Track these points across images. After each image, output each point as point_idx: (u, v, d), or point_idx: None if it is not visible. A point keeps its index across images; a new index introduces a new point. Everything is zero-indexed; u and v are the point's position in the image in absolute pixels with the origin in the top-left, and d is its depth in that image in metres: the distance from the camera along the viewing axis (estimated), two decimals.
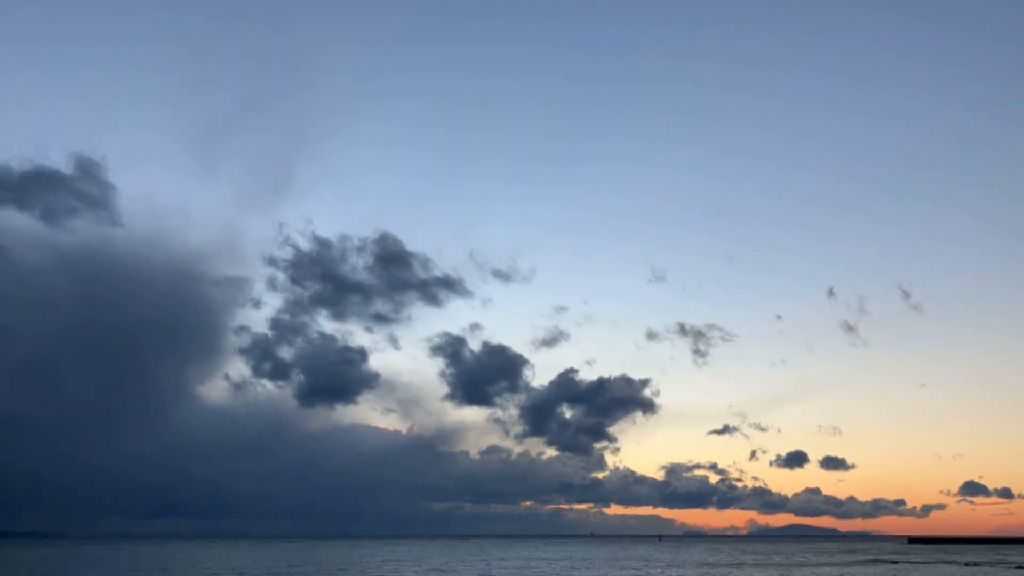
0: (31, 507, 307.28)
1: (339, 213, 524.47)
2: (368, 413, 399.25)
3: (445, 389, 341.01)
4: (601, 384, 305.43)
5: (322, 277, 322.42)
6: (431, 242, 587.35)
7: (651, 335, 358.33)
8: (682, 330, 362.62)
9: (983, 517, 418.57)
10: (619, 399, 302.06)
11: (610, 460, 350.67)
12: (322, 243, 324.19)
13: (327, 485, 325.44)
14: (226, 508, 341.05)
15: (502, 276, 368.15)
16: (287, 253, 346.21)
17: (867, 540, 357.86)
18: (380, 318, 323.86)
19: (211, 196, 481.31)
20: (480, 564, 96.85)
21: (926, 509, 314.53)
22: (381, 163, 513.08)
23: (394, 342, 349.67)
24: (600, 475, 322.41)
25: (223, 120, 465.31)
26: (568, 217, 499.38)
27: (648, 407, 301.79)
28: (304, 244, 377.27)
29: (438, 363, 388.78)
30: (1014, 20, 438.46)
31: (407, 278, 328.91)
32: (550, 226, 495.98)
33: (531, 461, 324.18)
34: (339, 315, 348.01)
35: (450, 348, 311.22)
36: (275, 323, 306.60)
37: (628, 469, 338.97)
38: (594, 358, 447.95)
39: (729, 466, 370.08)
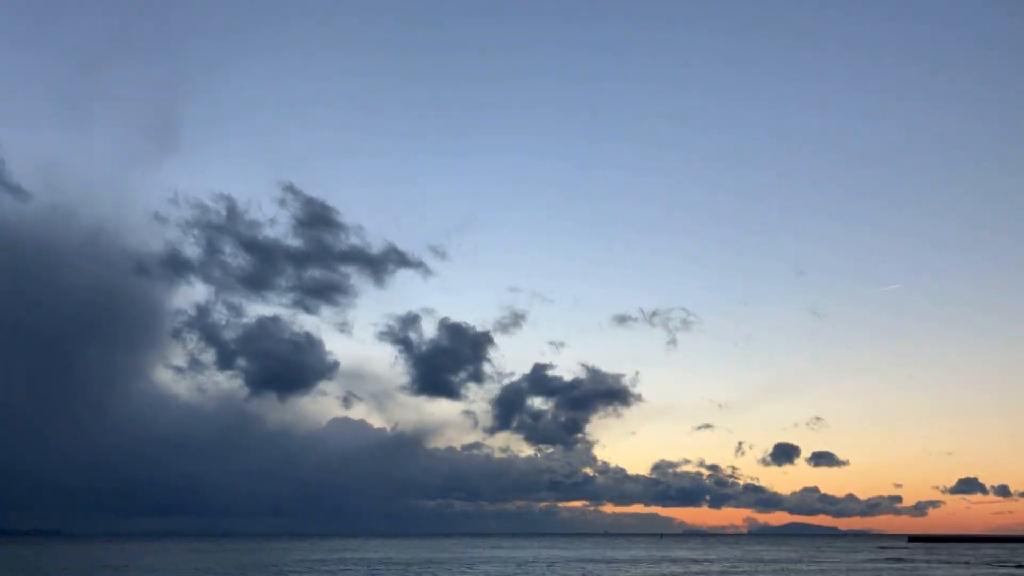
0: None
1: (244, 172, 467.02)
2: (332, 404, 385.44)
3: (406, 379, 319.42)
4: (578, 377, 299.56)
5: (246, 246, 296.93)
6: (357, 211, 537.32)
7: (618, 319, 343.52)
8: (648, 314, 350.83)
9: (984, 515, 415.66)
10: (597, 392, 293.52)
11: (597, 456, 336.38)
12: (231, 204, 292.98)
13: (315, 482, 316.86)
14: (222, 506, 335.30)
15: (439, 253, 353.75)
16: (200, 218, 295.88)
17: (868, 539, 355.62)
18: (317, 294, 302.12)
19: (88, 153, 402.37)
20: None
21: (924, 507, 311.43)
22: (287, 109, 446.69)
23: (341, 325, 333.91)
24: (589, 471, 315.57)
25: (90, 61, 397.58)
26: (516, 190, 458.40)
27: (626, 399, 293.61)
28: (214, 205, 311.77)
29: (395, 350, 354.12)
30: (972, 17, 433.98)
31: (340, 249, 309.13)
32: (495, 199, 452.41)
33: (516, 458, 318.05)
34: (271, 291, 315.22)
35: (405, 333, 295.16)
36: (208, 305, 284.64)
37: (617, 467, 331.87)
38: (561, 341, 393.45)
39: (717, 462, 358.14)
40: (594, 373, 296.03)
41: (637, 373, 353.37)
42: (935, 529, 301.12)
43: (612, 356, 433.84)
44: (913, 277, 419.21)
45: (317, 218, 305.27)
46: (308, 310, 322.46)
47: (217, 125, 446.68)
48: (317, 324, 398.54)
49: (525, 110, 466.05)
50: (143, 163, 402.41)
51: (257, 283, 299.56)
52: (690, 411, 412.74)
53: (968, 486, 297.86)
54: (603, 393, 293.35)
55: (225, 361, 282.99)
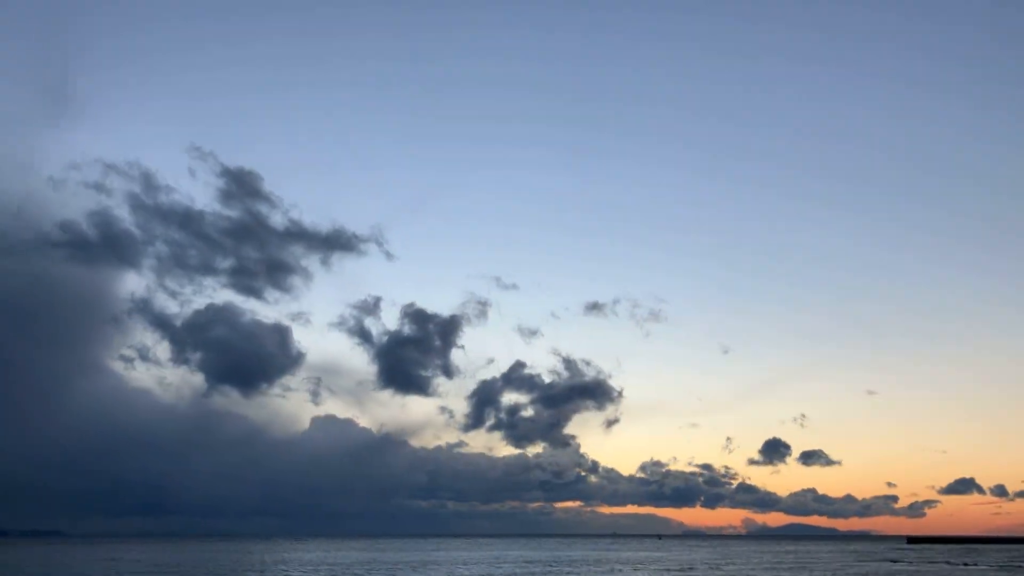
0: None
1: (154, 138, 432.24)
2: (303, 399, 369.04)
3: (372, 372, 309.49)
4: (557, 371, 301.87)
5: (177, 222, 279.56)
6: (289, 186, 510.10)
7: (590, 307, 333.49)
8: (613, 302, 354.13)
9: (983, 516, 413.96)
10: (576, 388, 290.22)
11: (586, 455, 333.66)
12: (145, 173, 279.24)
13: (307, 482, 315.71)
14: (213, 507, 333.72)
15: (385, 237, 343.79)
16: (117, 189, 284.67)
17: (866, 540, 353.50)
18: (261, 276, 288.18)
19: None
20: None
21: (921, 507, 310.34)
22: (199, 70, 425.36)
23: (295, 315, 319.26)
24: (579, 471, 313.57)
25: None
26: (467, 175, 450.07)
27: (609, 395, 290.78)
28: (128, 174, 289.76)
29: (352, 341, 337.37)
30: (973, 9, 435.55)
31: (283, 225, 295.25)
32: (446, 184, 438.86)
33: (503, 458, 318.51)
34: (210, 275, 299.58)
35: (364, 322, 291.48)
36: (148, 293, 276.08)
37: (608, 466, 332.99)
38: (533, 330, 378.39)
39: (708, 460, 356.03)
40: (572, 365, 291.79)
41: (619, 363, 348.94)
42: (933, 529, 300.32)
43: (588, 346, 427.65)
44: (905, 274, 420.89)
45: (244, 189, 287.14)
46: (254, 293, 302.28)
47: (119, 88, 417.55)
48: (272, 313, 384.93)
49: (484, 94, 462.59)
50: (40, 131, 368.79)
51: (195, 263, 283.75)
52: (674, 407, 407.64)
53: (964, 486, 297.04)
54: (585, 389, 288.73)
55: (180, 353, 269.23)
